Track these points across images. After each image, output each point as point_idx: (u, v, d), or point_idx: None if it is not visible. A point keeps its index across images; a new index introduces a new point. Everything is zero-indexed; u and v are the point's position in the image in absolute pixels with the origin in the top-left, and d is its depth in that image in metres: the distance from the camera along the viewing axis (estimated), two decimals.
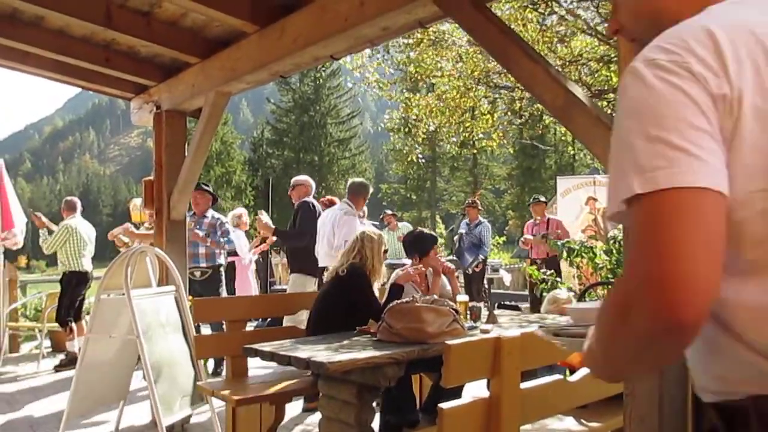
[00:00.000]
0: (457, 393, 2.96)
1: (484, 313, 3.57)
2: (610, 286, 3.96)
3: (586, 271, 5.17)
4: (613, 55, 7.85)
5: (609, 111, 5.66)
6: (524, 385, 2.23)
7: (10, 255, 7.82)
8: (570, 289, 4.80)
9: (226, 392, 3.22)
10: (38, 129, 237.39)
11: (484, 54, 8.36)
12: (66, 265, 6.25)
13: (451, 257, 9.31)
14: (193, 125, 4.91)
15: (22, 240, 7.07)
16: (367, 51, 9.55)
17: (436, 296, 3.19)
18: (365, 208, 6.57)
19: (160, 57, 4.41)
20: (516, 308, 7.06)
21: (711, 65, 0.73)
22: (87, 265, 6.38)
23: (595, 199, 9.91)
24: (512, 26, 7.65)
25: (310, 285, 5.30)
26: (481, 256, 8.78)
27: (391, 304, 3.02)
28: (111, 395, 4.10)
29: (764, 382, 0.76)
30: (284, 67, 3.74)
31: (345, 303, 3.44)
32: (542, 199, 9.03)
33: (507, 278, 10.20)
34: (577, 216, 10.22)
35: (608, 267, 4.67)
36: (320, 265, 5.16)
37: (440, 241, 6.87)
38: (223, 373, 5.21)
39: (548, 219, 8.59)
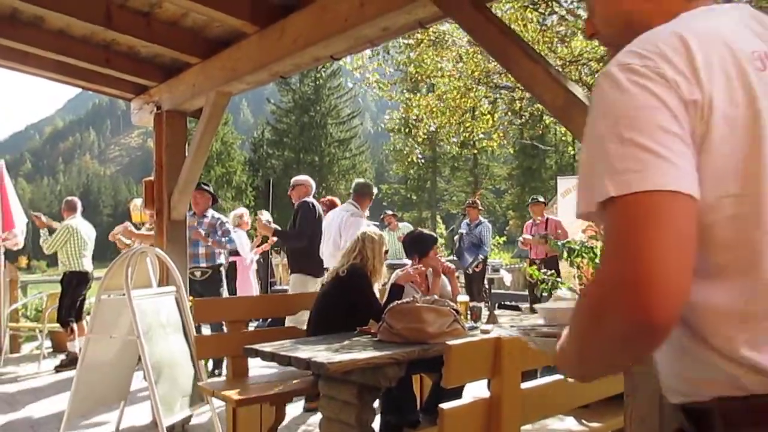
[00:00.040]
0: (457, 393, 2.96)
1: (485, 313, 3.57)
2: None
3: (586, 271, 5.16)
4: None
5: None
6: (525, 385, 2.23)
7: (11, 255, 7.83)
8: (571, 289, 4.80)
9: (227, 392, 3.22)
10: (39, 129, 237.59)
11: (484, 54, 8.37)
12: (66, 266, 6.25)
13: (451, 257, 9.32)
14: (193, 125, 4.91)
15: (22, 240, 7.08)
16: (367, 51, 9.55)
17: (436, 296, 3.18)
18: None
19: (161, 57, 4.42)
20: (516, 308, 7.05)
21: (683, 71, 0.75)
22: (87, 265, 6.38)
23: None
24: (512, 26, 7.65)
25: (311, 285, 5.29)
26: (480, 256, 8.78)
27: (391, 305, 3.02)
28: (112, 396, 4.10)
29: (729, 384, 0.77)
30: (284, 67, 3.74)
31: (345, 303, 3.44)
32: (541, 199, 9.03)
33: (507, 278, 10.19)
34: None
35: None
36: (326, 266, 5.16)
37: (441, 241, 6.87)
38: (223, 373, 5.21)
39: (547, 219, 8.59)
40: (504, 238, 15.02)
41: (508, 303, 7.98)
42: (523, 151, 35.34)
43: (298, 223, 5.44)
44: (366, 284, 3.52)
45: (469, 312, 3.49)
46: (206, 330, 5.54)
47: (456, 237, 9.53)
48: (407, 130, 16.65)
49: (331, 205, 6.02)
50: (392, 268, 4.32)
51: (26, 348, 7.54)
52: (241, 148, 47.14)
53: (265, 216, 6.40)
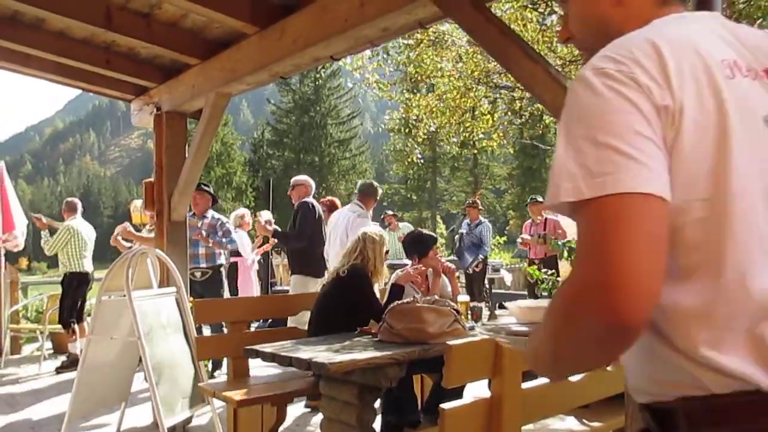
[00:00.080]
0: (458, 393, 2.96)
1: (486, 313, 3.57)
2: None
3: None
4: None
5: None
6: (525, 385, 2.23)
7: (11, 257, 7.83)
8: None
9: (228, 393, 3.22)
10: (39, 131, 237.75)
11: (484, 54, 8.37)
12: (67, 267, 6.26)
13: (451, 257, 9.31)
14: (193, 126, 4.91)
15: (23, 242, 7.09)
16: (367, 52, 9.56)
17: (436, 297, 3.19)
18: None
19: (161, 58, 4.42)
20: None
21: (655, 77, 0.77)
22: (88, 266, 6.39)
23: None
24: (512, 26, 7.65)
25: (312, 286, 5.29)
26: (481, 256, 8.78)
27: (392, 305, 3.02)
28: (112, 397, 4.10)
29: (692, 385, 0.79)
30: (284, 68, 3.74)
31: (346, 304, 3.44)
32: (540, 199, 9.02)
33: (508, 278, 10.19)
34: None
35: None
36: (330, 266, 5.15)
37: (441, 241, 6.87)
38: (222, 375, 5.21)
39: (546, 219, 8.59)
40: (504, 238, 15.02)
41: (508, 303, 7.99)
42: (523, 150, 35.29)
43: (298, 223, 5.44)
44: (367, 284, 3.52)
45: (469, 312, 3.50)
46: (207, 331, 5.54)
47: (456, 237, 9.53)
48: (407, 130, 16.68)
49: (332, 206, 6.01)
50: (393, 268, 4.32)
51: (27, 349, 7.54)
52: (241, 149, 47.13)
53: (265, 216, 6.39)
